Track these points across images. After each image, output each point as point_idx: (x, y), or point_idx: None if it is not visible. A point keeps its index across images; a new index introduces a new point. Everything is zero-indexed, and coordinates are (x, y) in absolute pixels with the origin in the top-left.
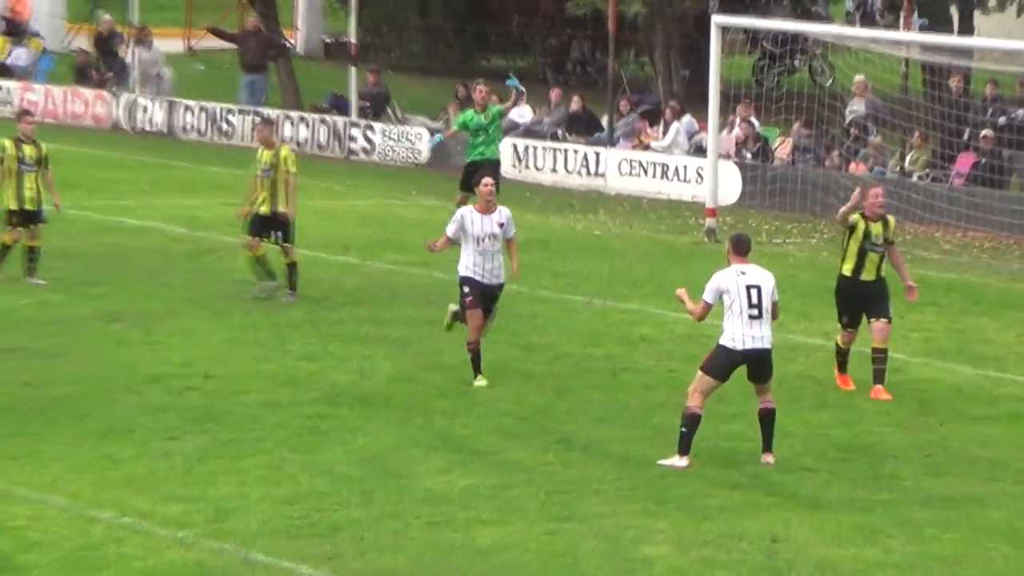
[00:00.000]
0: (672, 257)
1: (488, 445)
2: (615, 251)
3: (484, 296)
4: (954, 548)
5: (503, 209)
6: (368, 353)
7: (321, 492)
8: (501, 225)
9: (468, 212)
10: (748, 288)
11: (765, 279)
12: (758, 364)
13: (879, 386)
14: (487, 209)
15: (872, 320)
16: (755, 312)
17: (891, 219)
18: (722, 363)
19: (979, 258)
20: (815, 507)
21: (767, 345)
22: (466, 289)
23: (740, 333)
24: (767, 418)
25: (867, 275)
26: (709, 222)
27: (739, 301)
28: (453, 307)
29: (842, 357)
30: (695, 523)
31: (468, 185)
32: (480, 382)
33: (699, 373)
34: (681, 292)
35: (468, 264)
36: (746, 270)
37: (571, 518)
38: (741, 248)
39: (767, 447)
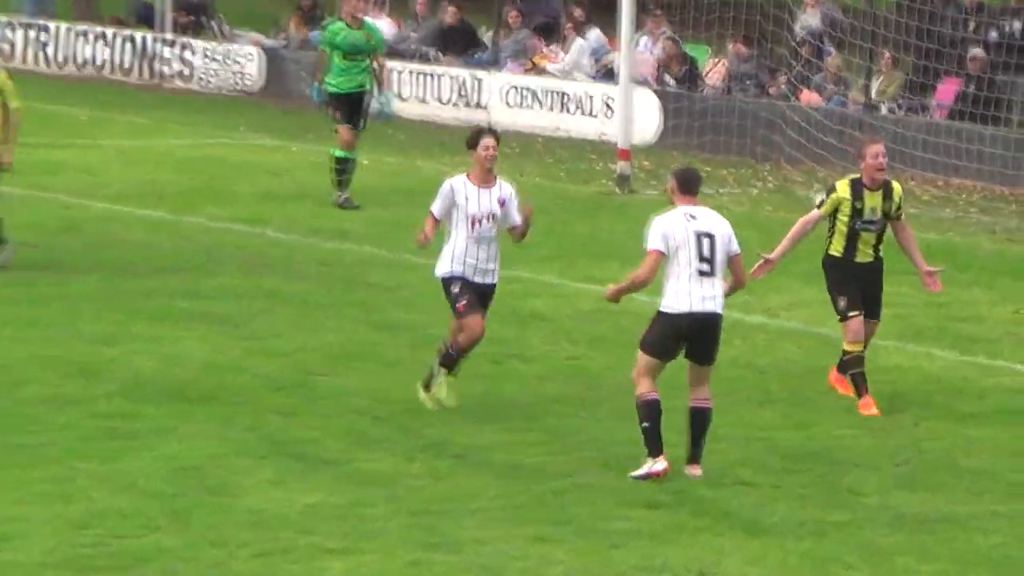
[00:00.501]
0: (573, 212)
1: (336, 452)
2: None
3: (478, 300)
4: None
5: (504, 183)
6: (181, 334)
7: (122, 512)
8: (502, 204)
9: (460, 184)
10: (699, 236)
11: (720, 226)
12: (704, 334)
13: (864, 400)
14: (486, 180)
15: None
16: (706, 267)
17: (896, 186)
18: (665, 334)
19: (966, 212)
20: (755, 531)
21: (718, 309)
22: (455, 290)
23: (687, 293)
24: (699, 419)
25: (863, 256)
26: (621, 166)
27: (687, 252)
28: (436, 369)
29: (854, 366)
30: (602, 552)
31: (353, 120)
32: (441, 397)
33: (638, 352)
34: (611, 290)
35: (456, 255)
36: (696, 214)
37: (442, 545)
38: (690, 186)
39: (695, 456)
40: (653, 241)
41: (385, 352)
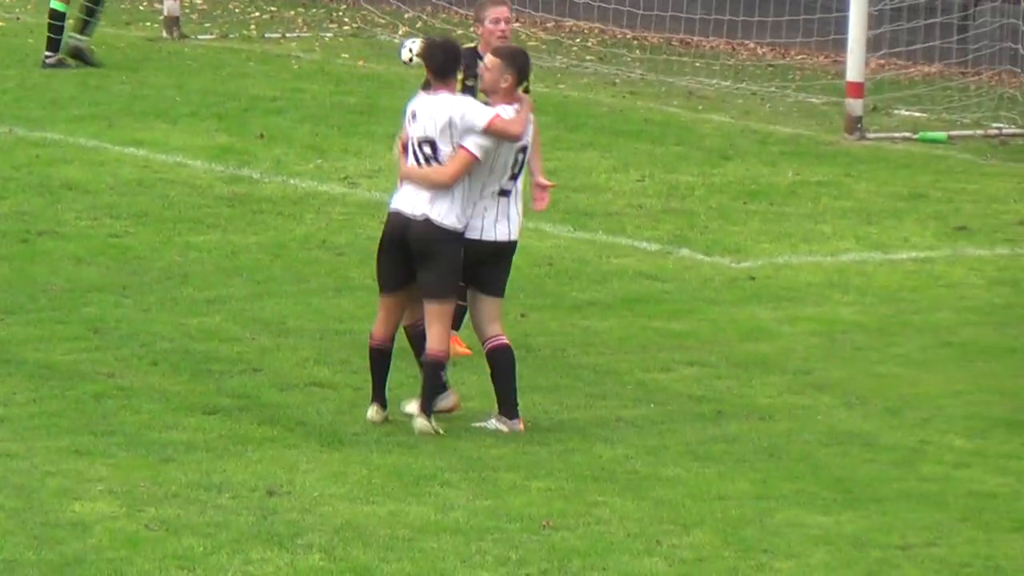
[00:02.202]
0: (113, 62)
1: None
2: (24, 48)
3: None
4: (547, 503)
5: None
6: None
7: None
8: None
9: None
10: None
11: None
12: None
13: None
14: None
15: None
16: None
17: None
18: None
19: (581, 61)
20: (333, 442)
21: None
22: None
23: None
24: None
25: None
26: (169, 6)
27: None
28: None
29: None
30: (151, 466)
31: None
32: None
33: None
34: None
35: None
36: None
37: None
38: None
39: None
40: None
41: None
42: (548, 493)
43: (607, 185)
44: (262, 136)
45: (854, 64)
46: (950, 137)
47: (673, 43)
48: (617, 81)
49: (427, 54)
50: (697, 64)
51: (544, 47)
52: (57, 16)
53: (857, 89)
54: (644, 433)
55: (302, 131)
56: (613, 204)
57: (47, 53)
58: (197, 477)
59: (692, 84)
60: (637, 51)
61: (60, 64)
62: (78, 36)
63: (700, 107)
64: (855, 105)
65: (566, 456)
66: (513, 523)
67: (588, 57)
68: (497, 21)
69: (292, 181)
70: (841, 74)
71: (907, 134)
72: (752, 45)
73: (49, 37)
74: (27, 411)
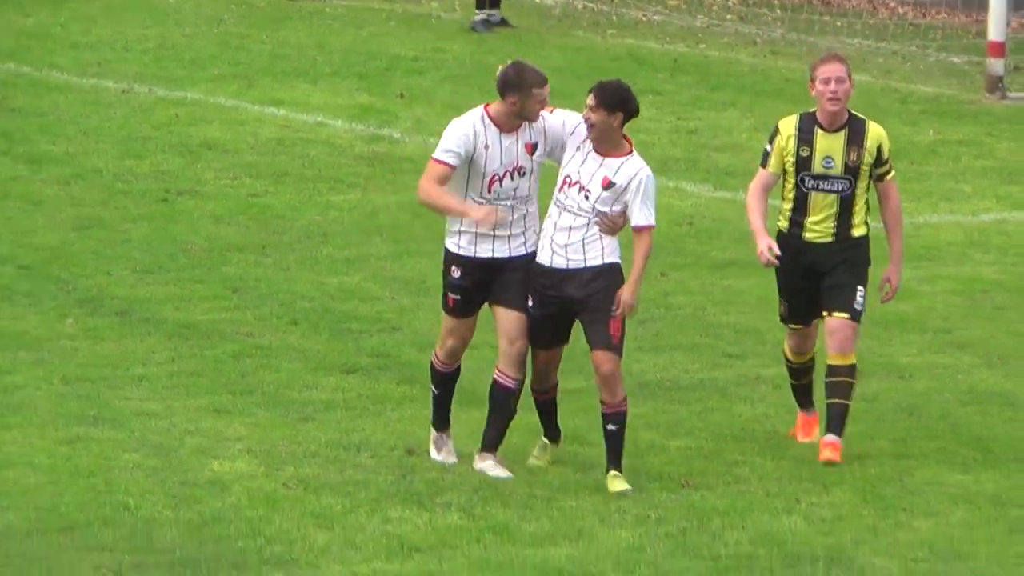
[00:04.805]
0: (252, 21)
1: None
2: (165, 8)
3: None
4: (686, 462)
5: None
6: None
7: None
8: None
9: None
10: None
11: None
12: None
13: (832, 438)
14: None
15: (826, 313)
16: None
17: (874, 129)
18: None
19: (722, 21)
20: (472, 401)
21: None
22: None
23: None
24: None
25: (815, 233)
26: None
27: None
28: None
29: (798, 379)
30: (290, 425)
31: None
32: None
33: None
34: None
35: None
36: None
37: (102, 419)
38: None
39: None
40: None
41: (27, 189)
42: (687, 452)
43: (748, 144)
44: (402, 96)
45: (995, 23)
46: None
47: (814, 2)
48: (758, 40)
49: None
50: (838, 23)
51: (685, 6)
52: None
53: (998, 48)
54: (783, 392)
55: (443, 91)
56: (753, 163)
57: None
58: (336, 436)
59: (833, 43)
60: (778, 10)
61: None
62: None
63: None
64: (996, 64)
65: (705, 415)
66: (653, 482)
67: (728, 16)
68: (828, 81)
69: (432, 141)
70: (982, 33)
71: None
72: (893, 4)
73: None
74: (166, 370)
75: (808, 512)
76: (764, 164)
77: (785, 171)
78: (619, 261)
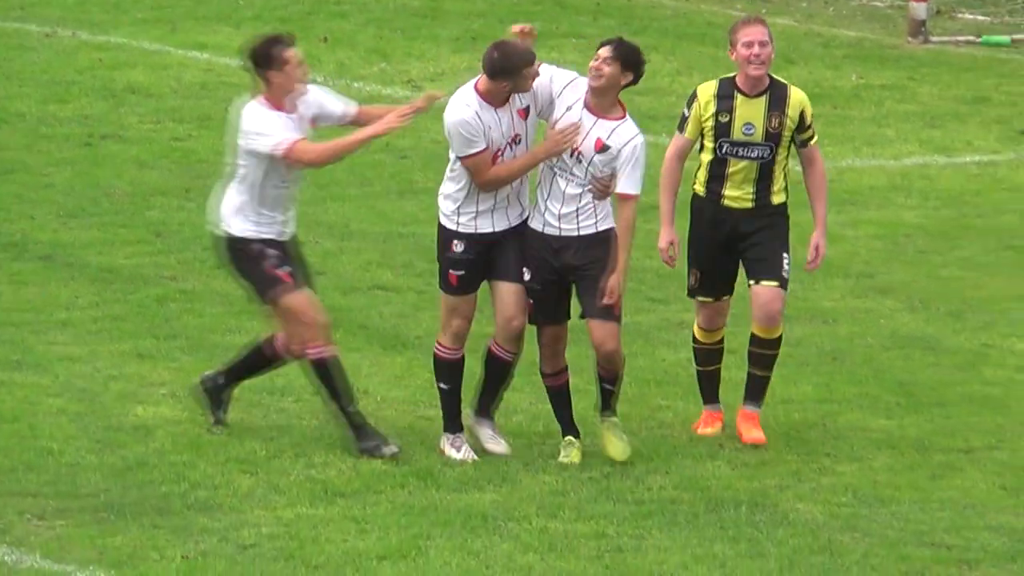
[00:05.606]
0: None
1: None
2: None
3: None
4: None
5: None
6: None
7: None
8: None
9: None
10: None
11: None
12: None
13: (752, 409)
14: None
15: (752, 281)
16: None
17: (796, 94)
18: None
19: None
20: (395, 345)
21: None
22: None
23: None
24: None
25: (732, 200)
26: None
27: None
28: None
29: (705, 362)
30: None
31: None
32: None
33: None
34: None
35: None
36: None
37: (26, 364)
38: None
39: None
40: None
41: None
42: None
43: (671, 88)
44: (325, 40)
45: None
46: (1013, 40)
47: None
48: None
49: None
50: None
51: None
52: None
53: None
54: None
55: (366, 34)
56: (676, 107)
57: None
58: (259, 381)
59: None
60: None
61: None
62: None
63: (764, 10)
64: (919, 8)
65: (629, 359)
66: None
67: None
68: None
69: (356, 84)
70: None
71: (970, 37)
72: None
73: None
74: (90, 315)
75: (732, 457)
76: (681, 129)
77: (703, 136)
78: (613, 225)
